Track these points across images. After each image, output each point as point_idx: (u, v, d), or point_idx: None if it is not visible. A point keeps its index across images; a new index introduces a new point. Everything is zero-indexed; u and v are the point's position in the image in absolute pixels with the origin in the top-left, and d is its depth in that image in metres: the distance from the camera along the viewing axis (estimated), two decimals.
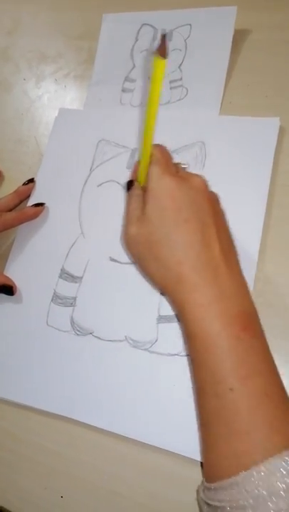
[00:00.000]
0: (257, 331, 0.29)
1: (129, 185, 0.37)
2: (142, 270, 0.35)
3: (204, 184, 0.33)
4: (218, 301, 0.29)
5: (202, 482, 0.30)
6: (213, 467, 0.28)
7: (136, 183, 0.36)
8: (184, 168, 0.38)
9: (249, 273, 0.36)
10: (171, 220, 0.31)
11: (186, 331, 0.31)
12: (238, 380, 0.27)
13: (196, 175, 0.33)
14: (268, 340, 0.30)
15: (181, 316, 0.31)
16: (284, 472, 0.24)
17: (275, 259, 0.37)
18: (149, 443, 0.34)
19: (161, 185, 0.32)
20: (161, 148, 0.34)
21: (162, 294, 0.37)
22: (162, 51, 0.25)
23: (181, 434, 0.33)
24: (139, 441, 0.34)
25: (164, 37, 0.25)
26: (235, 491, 0.25)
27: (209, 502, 0.27)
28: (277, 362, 0.29)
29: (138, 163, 0.36)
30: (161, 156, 0.34)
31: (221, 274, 0.30)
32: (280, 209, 0.38)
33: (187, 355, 0.35)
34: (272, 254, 0.37)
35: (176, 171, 0.34)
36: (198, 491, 0.30)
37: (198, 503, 0.30)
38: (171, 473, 0.33)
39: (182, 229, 0.31)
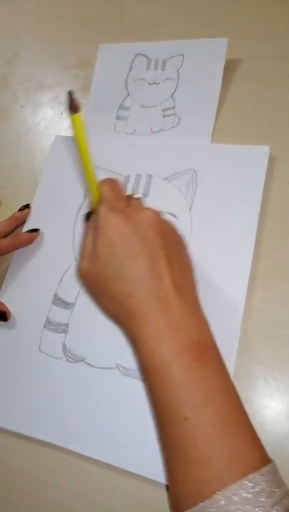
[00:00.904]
0: (211, 358, 0.29)
1: (88, 217, 0.37)
2: (95, 304, 0.36)
3: (153, 217, 0.32)
4: (167, 333, 0.29)
5: None
6: (175, 496, 0.28)
7: (94, 216, 0.36)
8: (139, 199, 0.38)
9: (238, 301, 0.36)
10: (119, 257, 0.31)
11: (139, 363, 0.31)
12: (192, 409, 0.27)
13: (146, 208, 0.34)
14: (260, 368, 0.30)
15: (135, 350, 0.31)
16: (244, 499, 0.24)
17: (266, 286, 0.37)
18: (140, 473, 0.34)
19: (109, 222, 0.32)
20: (110, 184, 0.35)
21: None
22: (73, 107, 0.28)
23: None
24: (130, 472, 0.34)
25: (69, 94, 0.28)
26: None
27: None
28: (269, 391, 0.29)
29: None
30: (110, 192, 0.34)
31: (172, 305, 0.30)
32: (270, 237, 0.38)
33: None
34: (262, 282, 0.37)
35: (128, 205, 0.35)
36: None
37: None
38: (164, 504, 0.33)
39: (131, 264, 0.31)
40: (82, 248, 0.35)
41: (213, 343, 0.30)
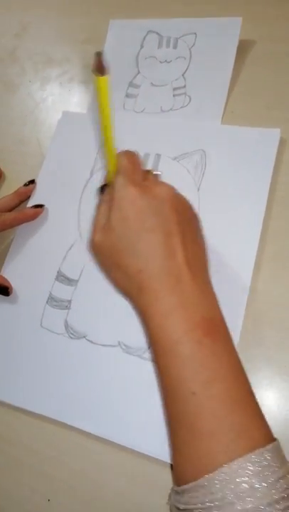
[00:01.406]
0: (221, 336, 0.29)
1: (102, 190, 0.37)
2: (105, 276, 0.36)
3: (170, 193, 0.32)
4: (179, 308, 0.29)
5: (172, 487, 0.30)
6: (179, 470, 0.29)
7: (109, 188, 0.36)
8: (157, 175, 0.38)
9: (244, 283, 0.36)
10: (133, 230, 0.31)
11: (149, 338, 0.31)
12: (200, 384, 0.27)
13: (163, 183, 0.33)
14: (263, 351, 0.30)
15: (144, 324, 0.31)
16: (249, 473, 0.24)
17: (272, 269, 0.37)
18: (137, 449, 0.34)
19: (125, 194, 0.32)
20: (128, 156, 0.34)
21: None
22: (101, 69, 0.27)
23: (169, 442, 0.33)
24: (127, 448, 0.34)
25: (98, 55, 0.26)
26: (201, 493, 0.25)
27: (177, 505, 0.27)
28: (270, 373, 0.29)
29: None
30: (128, 164, 0.34)
31: (184, 282, 0.30)
32: (277, 220, 0.38)
33: None
34: (268, 264, 0.37)
35: (144, 179, 0.34)
36: (169, 496, 0.31)
37: (170, 508, 0.30)
38: (160, 481, 0.33)
39: (145, 238, 0.31)
40: (96, 220, 0.35)
41: (223, 321, 0.30)
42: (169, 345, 0.29)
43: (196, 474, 0.26)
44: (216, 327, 0.29)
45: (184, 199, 0.34)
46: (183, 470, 0.28)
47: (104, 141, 0.32)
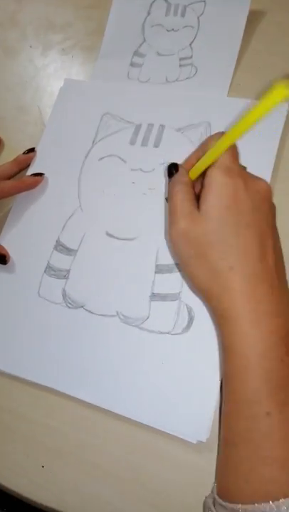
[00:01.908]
0: None
1: (173, 169, 0.33)
2: (184, 269, 0.32)
3: (269, 191, 0.30)
4: (268, 318, 0.27)
5: (212, 491, 0.29)
6: (231, 487, 0.27)
7: (182, 169, 0.32)
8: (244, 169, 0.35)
9: None
10: (232, 223, 0.28)
11: (225, 343, 0.29)
12: (277, 405, 0.26)
13: (263, 180, 0.31)
14: None
15: (222, 326, 0.29)
16: None
17: None
18: (132, 418, 0.34)
19: (228, 183, 0.29)
20: (232, 146, 0.31)
21: (205, 300, 0.33)
22: None
23: (164, 411, 0.33)
24: (123, 416, 0.34)
25: None
26: None
27: None
28: None
29: (196, 152, 0.33)
30: (231, 153, 0.30)
31: (274, 290, 0.28)
32: (281, 195, 0.37)
33: (177, 334, 0.35)
34: None
35: (242, 170, 0.31)
36: (206, 500, 0.30)
37: (204, 509, 0.29)
38: (153, 447, 0.34)
39: (242, 234, 0.28)
40: (174, 206, 0.31)
41: None
42: (250, 357, 0.27)
43: (255, 498, 0.25)
44: None
45: (274, 203, 0.32)
46: (236, 488, 0.27)
47: (225, 139, 0.28)
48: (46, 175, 0.44)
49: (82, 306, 0.38)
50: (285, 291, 0.29)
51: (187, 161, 0.34)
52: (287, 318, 0.28)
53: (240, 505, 0.25)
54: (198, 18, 0.46)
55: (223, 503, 0.27)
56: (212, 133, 0.41)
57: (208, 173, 0.30)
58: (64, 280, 0.39)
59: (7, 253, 0.41)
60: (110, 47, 0.48)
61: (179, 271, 0.37)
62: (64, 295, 0.39)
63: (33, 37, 0.53)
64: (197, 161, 0.32)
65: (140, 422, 0.34)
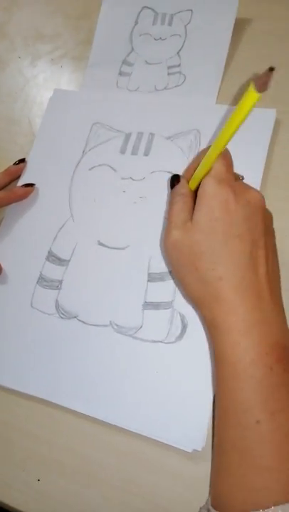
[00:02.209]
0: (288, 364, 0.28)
1: (175, 181, 0.34)
2: (177, 277, 0.33)
3: (262, 201, 0.30)
4: (257, 327, 0.27)
5: (207, 502, 0.29)
6: (224, 497, 0.27)
7: (183, 181, 0.33)
8: (241, 179, 0.35)
9: None
10: (221, 233, 0.29)
11: (216, 352, 0.29)
12: (267, 413, 0.26)
13: (255, 189, 0.31)
14: None
15: (214, 337, 0.29)
16: None
17: None
18: (127, 428, 0.34)
19: (218, 194, 0.29)
20: (225, 155, 0.31)
21: (196, 308, 0.34)
22: (263, 83, 0.23)
23: (159, 420, 0.33)
24: (118, 426, 0.34)
25: (271, 70, 0.23)
26: None
27: None
28: None
29: (194, 162, 0.34)
30: (222, 163, 0.30)
31: (263, 299, 0.28)
32: (271, 201, 0.37)
33: (171, 343, 0.35)
34: None
35: (235, 180, 0.32)
36: (201, 511, 0.30)
37: None
38: (148, 457, 0.33)
39: (231, 244, 0.29)
40: (172, 216, 0.32)
41: None
42: (239, 366, 0.27)
43: (246, 507, 0.25)
44: (286, 354, 0.27)
45: (270, 212, 0.32)
46: (228, 497, 0.27)
47: (221, 141, 0.29)
48: (37, 185, 0.44)
49: (75, 317, 0.38)
50: (276, 299, 0.29)
51: (187, 170, 0.34)
52: (277, 326, 0.28)
53: None
54: (185, 26, 0.46)
55: None
56: (202, 140, 0.41)
57: (202, 183, 0.31)
58: (57, 291, 0.39)
59: None
60: (99, 56, 0.49)
61: (172, 279, 0.37)
62: (57, 306, 0.39)
63: (21, 47, 0.53)
64: (194, 172, 0.33)
65: (135, 432, 0.33)
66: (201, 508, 0.30)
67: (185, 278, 0.31)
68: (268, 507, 0.24)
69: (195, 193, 0.33)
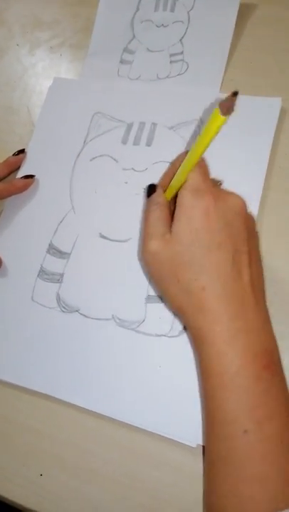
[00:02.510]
0: (277, 369, 0.28)
1: (151, 190, 0.33)
2: (158, 289, 0.33)
3: (242, 205, 0.30)
4: (241, 336, 0.27)
5: None
6: (215, 506, 0.27)
7: (159, 190, 0.33)
8: (219, 184, 0.34)
9: None
10: (202, 243, 0.28)
11: (201, 363, 0.29)
12: (254, 422, 0.26)
13: (235, 194, 0.30)
14: None
15: (199, 348, 0.29)
16: None
17: (270, 241, 0.36)
18: (130, 422, 0.33)
19: (197, 203, 0.29)
20: (201, 163, 0.31)
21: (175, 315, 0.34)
22: (227, 107, 0.24)
23: (162, 415, 0.33)
24: (120, 421, 0.33)
25: (235, 94, 0.23)
26: None
27: None
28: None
29: (169, 170, 0.33)
30: (200, 172, 0.30)
31: (248, 307, 0.28)
32: (276, 191, 0.37)
33: (174, 337, 0.34)
34: (267, 236, 0.36)
35: (213, 186, 0.31)
36: None
37: None
38: (151, 452, 0.33)
39: (213, 253, 0.28)
40: (148, 226, 0.31)
41: (278, 349, 0.28)
42: (226, 376, 0.27)
43: None
44: (274, 360, 0.27)
45: (251, 215, 0.31)
46: (221, 507, 0.26)
47: (191, 158, 0.29)
48: (37, 176, 0.43)
49: (76, 311, 0.37)
50: (261, 306, 0.29)
51: (163, 178, 0.34)
52: (262, 333, 0.28)
53: None
54: (188, 12, 0.45)
55: None
56: None
57: (179, 194, 0.30)
58: (58, 284, 0.38)
59: None
60: (99, 44, 0.47)
61: None
62: (58, 299, 0.38)
63: (20, 35, 0.52)
64: (170, 180, 0.32)
65: (138, 427, 0.33)
66: None
67: (168, 290, 0.30)
68: None
69: (171, 202, 0.32)
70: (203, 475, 0.30)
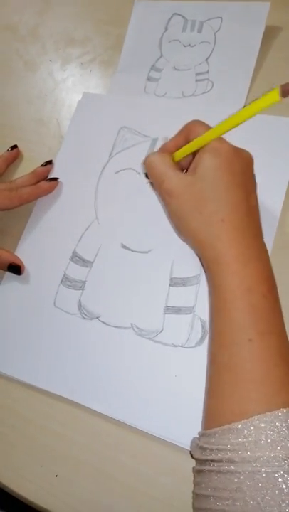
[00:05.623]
0: (277, 295, 0.32)
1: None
2: (176, 224, 0.37)
3: (252, 159, 0.35)
4: (254, 261, 0.31)
5: (200, 431, 0.31)
6: (214, 413, 0.30)
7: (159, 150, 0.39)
8: None
9: None
10: (225, 181, 0.33)
11: (215, 283, 0.32)
12: (259, 333, 0.29)
13: (246, 150, 0.35)
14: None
15: (213, 270, 0.32)
16: (284, 427, 0.26)
17: (281, 259, 0.36)
18: (145, 430, 0.34)
19: (223, 149, 0.34)
20: None
21: (194, 248, 0.37)
22: (286, 92, 0.26)
23: (177, 424, 0.34)
24: (136, 427, 0.34)
25: None
26: (234, 436, 0.27)
27: (205, 446, 0.29)
28: None
29: (179, 136, 0.38)
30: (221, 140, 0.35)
31: (258, 239, 0.33)
32: None
33: (191, 348, 0.35)
34: (279, 253, 0.37)
35: None
36: (194, 439, 0.32)
37: (192, 452, 0.31)
38: (166, 460, 0.34)
39: (232, 192, 0.33)
40: (169, 166, 0.36)
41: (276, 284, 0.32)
42: (239, 292, 0.30)
43: (233, 417, 0.28)
44: (274, 287, 0.32)
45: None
46: (218, 412, 0.30)
47: (213, 131, 0.34)
48: (64, 187, 0.44)
49: (97, 318, 0.39)
50: (263, 241, 0.34)
51: (169, 142, 0.39)
52: (267, 263, 0.32)
53: (218, 428, 0.29)
54: (214, 34, 0.46)
55: (206, 432, 0.30)
56: None
57: (205, 146, 0.35)
58: (80, 291, 0.40)
59: (22, 264, 0.42)
60: (128, 61, 0.49)
61: (194, 284, 0.37)
62: (79, 306, 0.39)
63: (52, 51, 0.54)
64: (176, 147, 0.37)
65: (153, 434, 0.34)
66: (193, 439, 0.32)
67: (190, 224, 0.34)
68: (250, 416, 0.27)
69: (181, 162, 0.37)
70: (205, 395, 0.33)
